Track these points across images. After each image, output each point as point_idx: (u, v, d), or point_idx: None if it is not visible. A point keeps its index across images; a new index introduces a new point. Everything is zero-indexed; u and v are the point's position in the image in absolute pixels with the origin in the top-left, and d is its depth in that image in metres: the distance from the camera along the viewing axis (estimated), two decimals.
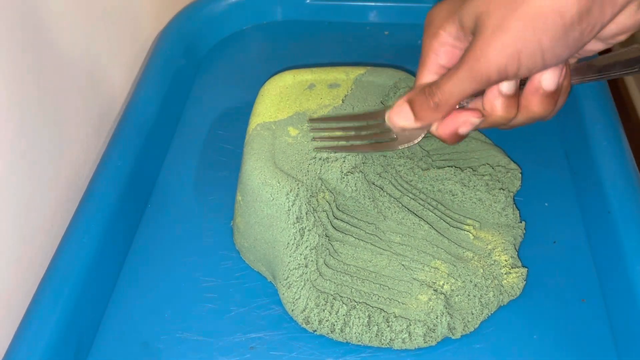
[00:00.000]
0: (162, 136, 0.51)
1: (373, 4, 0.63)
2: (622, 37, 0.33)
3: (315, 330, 0.38)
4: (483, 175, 0.45)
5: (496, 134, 0.49)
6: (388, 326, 0.38)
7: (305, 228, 0.39)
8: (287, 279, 0.39)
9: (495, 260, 0.41)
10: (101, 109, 0.50)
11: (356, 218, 0.42)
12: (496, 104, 0.34)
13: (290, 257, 0.39)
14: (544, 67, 0.32)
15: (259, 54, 0.62)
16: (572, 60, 0.36)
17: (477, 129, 0.37)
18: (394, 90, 0.47)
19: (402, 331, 0.38)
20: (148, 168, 0.48)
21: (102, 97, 0.50)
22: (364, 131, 0.40)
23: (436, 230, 0.41)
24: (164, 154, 0.51)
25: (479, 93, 0.35)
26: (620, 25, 0.32)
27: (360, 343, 0.38)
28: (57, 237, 0.42)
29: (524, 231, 0.43)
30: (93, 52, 0.49)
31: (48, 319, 0.36)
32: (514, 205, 0.44)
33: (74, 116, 0.46)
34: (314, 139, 0.41)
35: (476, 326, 0.39)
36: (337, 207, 0.42)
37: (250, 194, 0.41)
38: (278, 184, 0.40)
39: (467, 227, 0.42)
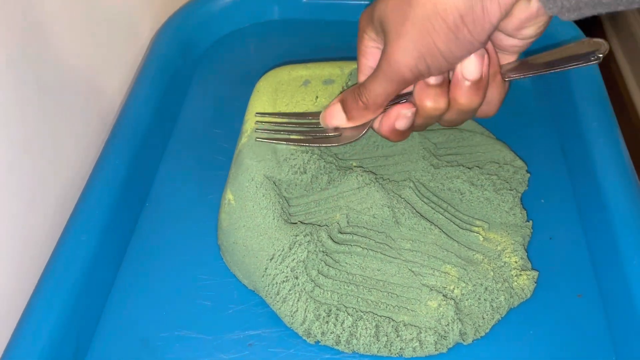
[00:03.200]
0: (160, 135, 0.52)
1: (370, 2, 0.63)
2: (531, 31, 0.33)
3: (319, 342, 0.38)
4: (490, 175, 0.44)
5: (495, 130, 0.49)
6: (397, 336, 0.37)
7: (297, 242, 0.39)
8: (278, 294, 0.38)
9: (505, 262, 0.40)
10: (99, 108, 0.50)
11: (365, 228, 0.41)
12: (424, 95, 0.35)
13: (275, 269, 0.39)
14: (450, 65, 0.33)
15: (256, 53, 0.62)
16: (512, 58, 0.36)
17: (419, 127, 0.37)
18: None
19: (412, 340, 0.37)
20: (146, 166, 0.49)
21: (100, 97, 0.51)
22: (309, 127, 0.41)
23: (446, 234, 0.41)
24: (162, 153, 0.51)
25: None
26: (518, 19, 0.32)
27: (368, 353, 0.37)
28: (56, 236, 0.42)
29: (532, 230, 0.43)
30: (91, 52, 0.49)
31: (47, 316, 0.37)
32: (521, 205, 0.44)
33: (73, 116, 0.46)
34: (256, 130, 0.41)
35: (487, 331, 0.38)
36: (347, 221, 0.41)
37: (250, 199, 0.41)
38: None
39: (476, 229, 0.41)
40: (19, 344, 0.36)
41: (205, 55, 0.61)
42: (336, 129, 0.40)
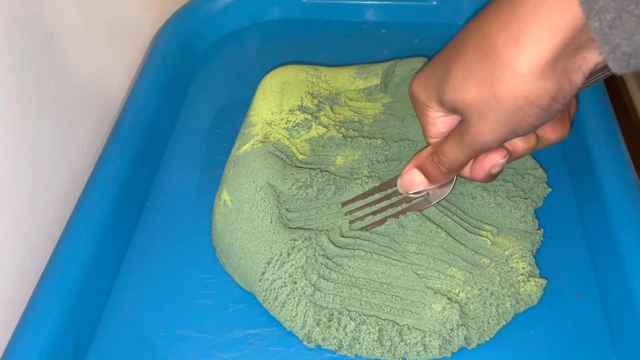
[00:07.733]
0: (160, 135, 0.52)
1: (370, 2, 0.63)
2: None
3: (320, 346, 0.38)
4: (506, 182, 0.44)
5: None
6: (402, 340, 0.36)
7: (295, 247, 0.39)
8: (277, 299, 0.38)
9: (512, 267, 0.39)
10: (100, 108, 0.50)
11: (368, 232, 0.41)
12: (517, 140, 0.37)
13: (273, 274, 0.38)
14: (537, 129, 0.35)
15: (256, 52, 0.62)
16: None
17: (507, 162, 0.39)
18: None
19: (416, 344, 0.36)
20: (146, 166, 0.49)
21: (101, 96, 0.51)
22: (394, 198, 0.42)
23: (453, 237, 0.40)
24: (162, 153, 0.51)
25: None
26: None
27: (371, 357, 0.37)
28: (56, 236, 0.42)
29: (542, 238, 0.42)
30: (92, 52, 0.49)
31: (47, 316, 0.37)
32: (534, 215, 0.43)
33: (73, 116, 0.46)
34: (350, 221, 0.41)
35: (492, 336, 0.38)
36: (350, 226, 0.41)
37: (248, 201, 0.40)
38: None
39: (484, 233, 0.41)
40: (19, 343, 0.36)
41: (205, 55, 0.61)
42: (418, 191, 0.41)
